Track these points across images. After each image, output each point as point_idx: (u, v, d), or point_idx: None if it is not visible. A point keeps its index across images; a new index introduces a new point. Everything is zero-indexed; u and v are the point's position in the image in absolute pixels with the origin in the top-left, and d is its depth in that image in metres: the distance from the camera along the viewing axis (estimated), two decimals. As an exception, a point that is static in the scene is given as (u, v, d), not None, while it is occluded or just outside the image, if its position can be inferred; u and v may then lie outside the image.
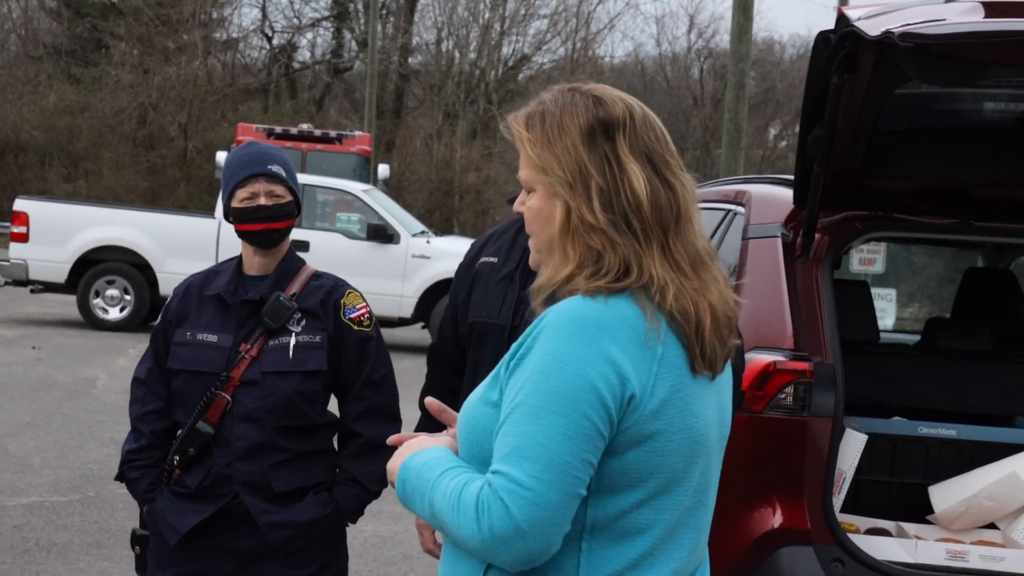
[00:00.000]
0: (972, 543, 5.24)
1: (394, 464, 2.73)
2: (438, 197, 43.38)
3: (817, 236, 5.14)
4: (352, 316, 4.46)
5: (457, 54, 48.99)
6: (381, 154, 40.65)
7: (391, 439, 2.84)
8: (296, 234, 18.89)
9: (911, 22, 4.36)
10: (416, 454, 2.69)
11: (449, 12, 49.05)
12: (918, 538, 5.21)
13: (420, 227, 21.32)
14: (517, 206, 2.78)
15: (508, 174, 43.93)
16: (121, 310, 20.01)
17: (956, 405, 6.01)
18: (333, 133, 28.45)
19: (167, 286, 19.64)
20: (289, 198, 4.44)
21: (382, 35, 45.22)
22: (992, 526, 5.35)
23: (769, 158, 48.75)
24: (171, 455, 4.42)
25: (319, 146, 27.26)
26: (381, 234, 19.64)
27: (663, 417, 2.55)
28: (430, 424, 4.40)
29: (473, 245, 4.47)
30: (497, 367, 2.67)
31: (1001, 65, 4.64)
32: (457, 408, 2.82)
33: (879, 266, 8.74)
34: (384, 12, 46.23)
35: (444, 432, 2.84)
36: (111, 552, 8.37)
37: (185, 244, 19.83)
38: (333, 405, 4.57)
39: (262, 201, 4.39)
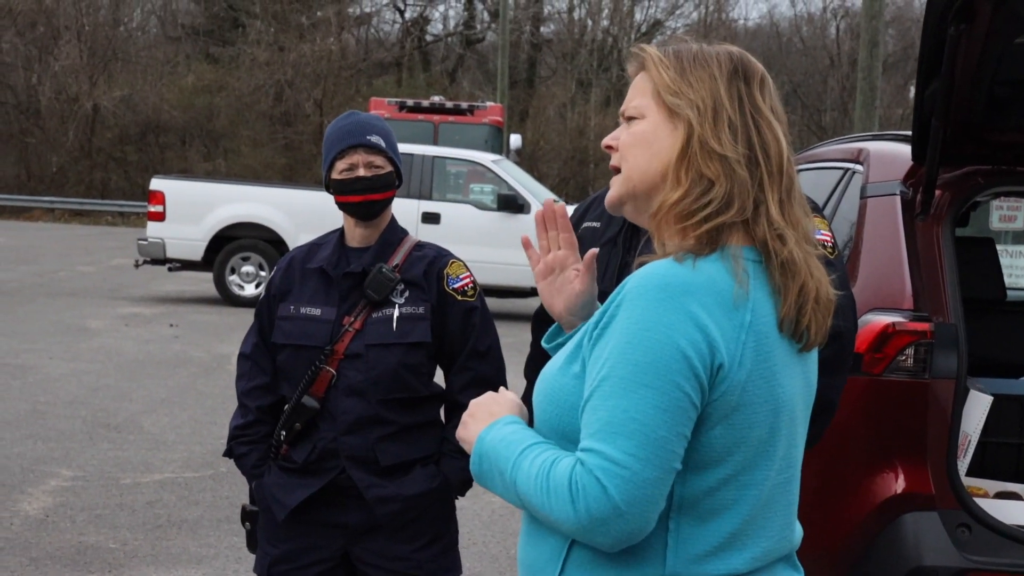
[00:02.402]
0: (1106, 506, 5.08)
1: (467, 434, 2.64)
2: (572, 166, 43.22)
3: (937, 193, 5.00)
4: (456, 286, 4.39)
5: (589, 22, 48.75)
6: (515, 124, 40.64)
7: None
8: (427, 206, 19.06)
9: (1030, -33, 4.21)
10: (490, 429, 2.59)
11: (581, -21, 48.92)
12: (1050, 502, 5.05)
13: (552, 196, 21.24)
14: (609, 140, 2.66)
15: (643, 141, 43.67)
16: (256, 286, 20.17)
17: None
18: (464, 104, 28.44)
19: (302, 261, 19.76)
20: (389, 168, 4.37)
21: (513, 5, 45.11)
22: None
23: (908, 116, 47.99)
24: (278, 430, 4.38)
25: (451, 118, 27.29)
26: (511, 204, 19.59)
27: (750, 388, 2.42)
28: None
29: (576, 210, 4.37)
30: (578, 336, 2.56)
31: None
32: None
33: (1020, 223, 8.50)
34: (515, -18, 46.15)
35: (505, 397, 2.72)
36: (240, 527, 8.40)
37: (317, 219, 19.76)
38: (439, 377, 4.51)
39: (361, 172, 4.32)
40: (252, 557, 7.70)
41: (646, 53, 2.62)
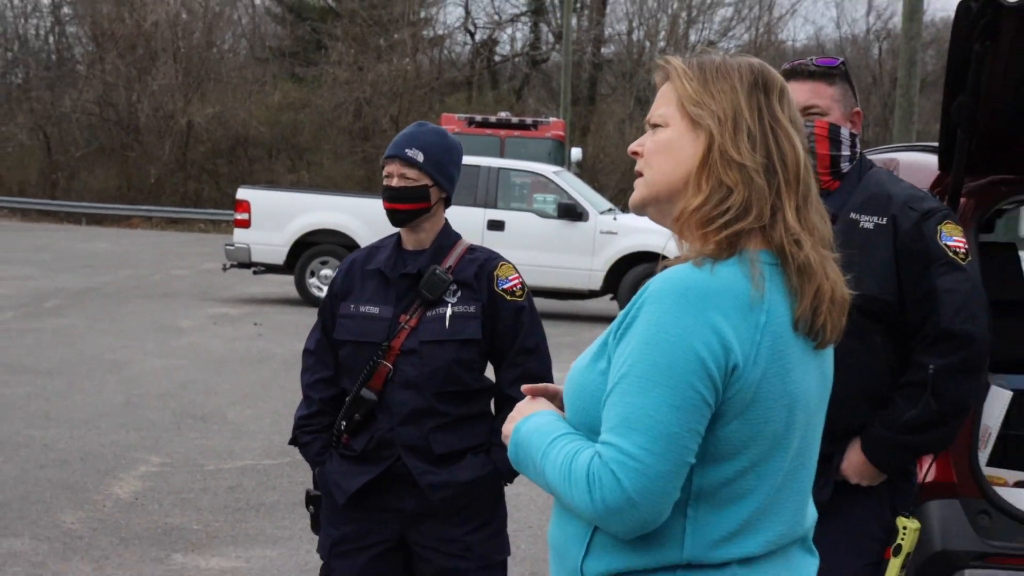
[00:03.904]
0: (1119, 496, 4.98)
1: (507, 428, 2.63)
2: (631, 177, 42.20)
3: (962, 200, 4.92)
4: (505, 287, 4.36)
5: (647, 43, 48.63)
6: (576, 138, 40.57)
7: (524, 388, 2.70)
8: (492, 214, 19.07)
9: (1052, -13, 4.13)
10: (526, 419, 2.58)
11: (640, 3, 48.76)
12: (1069, 493, 4.97)
13: (608, 205, 21.21)
14: (635, 146, 2.61)
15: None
16: (334, 288, 20.17)
17: None
18: (529, 120, 28.43)
19: (376, 265, 19.82)
20: (423, 182, 4.34)
21: (576, 28, 45.08)
22: None
23: (945, 131, 47.48)
24: (339, 420, 4.38)
25: (516, 132, 27.30)
26: (571, 212, 19.60)
27: (764, 386, 2.39)
28: None
29: None
30: (605, 335, 2.53)
31: None
32: None
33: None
34: (578, 6, 46.10)
35: (540, 399, 2.69)
36: (314, 511, 8.42)
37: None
38: (490, 372, 4.48)
39: (394, 182, 4.34)
40: (320, 539, 7.77)
41: (670, 65, 2.58)
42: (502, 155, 25.40)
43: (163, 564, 7.23)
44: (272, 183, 37.27)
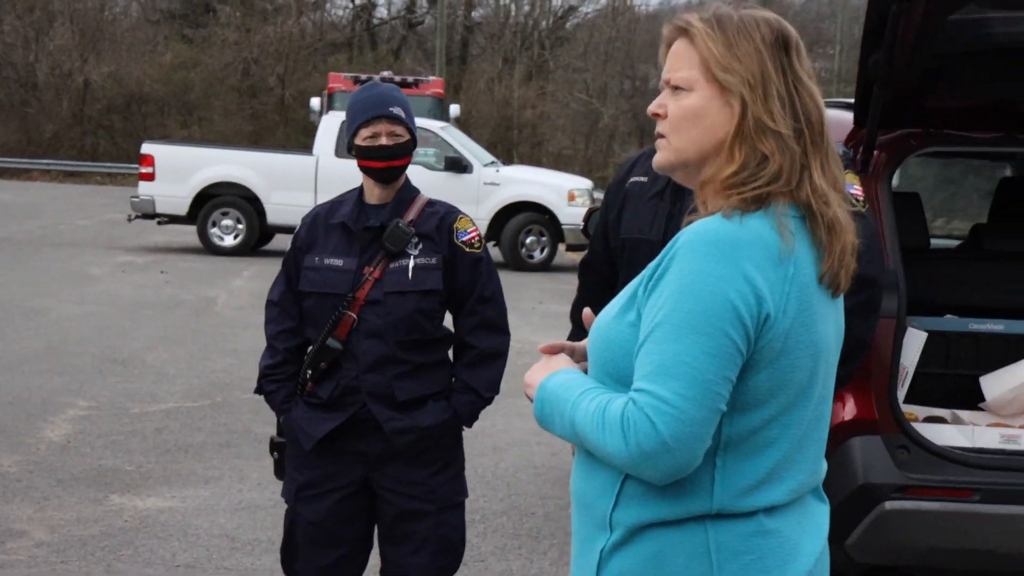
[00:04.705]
0: (1021, 427, 4.98)
1: (532, 380, 2.46)
2: (500, 132, 42.83)
3: (876, 153, 4.86)
4: (464, 239, 4.20)
5: (513, 7, 48.31)
6: (450, 96, 40.24)
7: (540, 347, 2.53)
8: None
9: (969, -49, 4.04)
10: (552, 375, 2.42)
11: (506, -31, 48.45)
12: (973, 424, 4.95)
13: (490, 158, 21.07)
14: (654, 108, 2.42)
15: (559, 110, 43.45)
16: (235, 237, 19.98)
17: (1002, 302, 5.70)
18: (411, 79, 28.03)
19: (274, 216, 19.63)
20: (407, 137, 4.17)
21: (448, -8, 44.64)
22: (1039, 411, 5.09)
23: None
24: (304, 369, 4.19)
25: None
26: (456, 165, 19.43)
27: (792, 336, 2.25)
28: (580, 334, 4.15)
29: (622, 166, 4.20)
30: (633, 287, 2.37)
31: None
32: None
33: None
34: (449, -28, 45.69)
35: (561, 356, 2.52)
36: (240, 451, 8.23)
37: (288, 179, 19.79)
38: (448, 321, 4.31)
39: (383, 141, 4.12)
40: (253, 477, 7.58)
41: (692, 25, 2.37)
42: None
43: (102, 505, 6.96)
44: (166, 138, 36.47)
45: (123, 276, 16.84)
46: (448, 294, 4.20)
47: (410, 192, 4.24)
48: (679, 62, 2.39)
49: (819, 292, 2.32)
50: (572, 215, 19.56)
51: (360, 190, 4.27)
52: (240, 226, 19.93)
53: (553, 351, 2.52)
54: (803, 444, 2.35)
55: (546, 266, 19.54)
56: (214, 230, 19.99)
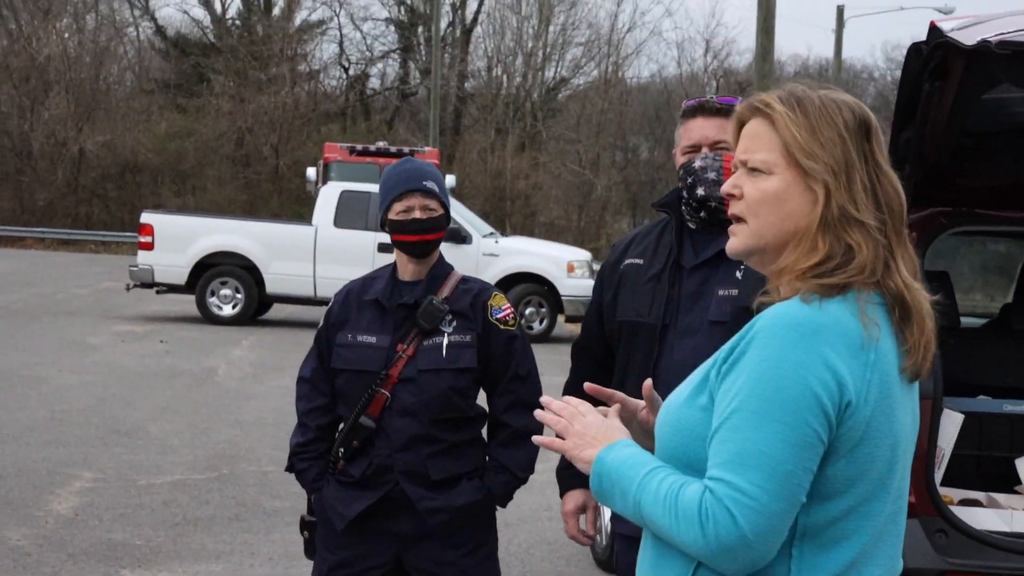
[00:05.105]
0: (1058, 510, 4.91)
1: (586, 456, 2.36)
2: (493, 202, 42.92)
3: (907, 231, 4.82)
4: (498, 316, 4.14)
5: (505, 78, 48.54)
6: (444, 166, 40.36)
7: (587, 387, 2.46)
8: (382, 238, 18.77)
9: (1004, 31, 4.03)
10: (610, 448, 2.32)
11: (498, 42, 48.67)
12: (1012, 508, 4.88)
13: (489, 229, 21.09)
14: (730, 189, 2.36)
15: (552, 180, 43.55)
16: (233, 307, 19.95)
17: None
18: (406, 149, 28.00)
19: (273, 285, 19.62)
20: (441, 211, 4.12)
21: (442, 64, 44.83)
22: (1074, 494, 5.02)
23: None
24: (336, 447, 4.12)
25: (394, 161, 26.85)
26: (456, 236, 19.38)
27: (873, 424, 2.18)
28: None
29: (615, 247, 4.11)
30: (704, 370, 2.31)
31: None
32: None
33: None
34: (443, 44, 45.84)
35: (614, 420, 2.44)
36: (249, 525, 8.13)
37: (287, 249, 19.80)
38: (481, 398, 4.25)
39: (417, 215, 4.07)
40: (264, 552, 7.48)
41: (772, 107, 2.31)
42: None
43: (112, 579, 6.86)
44: (159, 207, 36.51)
45: (122, 345, 16.75)
46: (482, 372, 4.14)
47: (444, 268, 4.19)
48: (757, 143, 2.34)
49: (899, 380, 2.26)
50: (571, 286, 19.55)
51: (393, 266, 4.21)
52: (239, 295, 19.91)
53: (603, 396, 2.46)
54: (882, 538, 2.27)
55: (545, 337, 19.49)
56: (213, 299, 19.97)
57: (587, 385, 2.65)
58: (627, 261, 3.96)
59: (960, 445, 4.96)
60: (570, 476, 4.00)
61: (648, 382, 2.55)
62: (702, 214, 3.81)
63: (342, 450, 4.10)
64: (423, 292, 4.10)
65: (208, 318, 19.80)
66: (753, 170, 2.34)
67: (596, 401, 2.57)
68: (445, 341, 4.07)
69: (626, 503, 2.27)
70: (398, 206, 4.08)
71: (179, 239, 19.90)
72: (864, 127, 2.30)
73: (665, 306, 3.78)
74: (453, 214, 18.00)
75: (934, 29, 4.30)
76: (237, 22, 49.07)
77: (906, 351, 2.26)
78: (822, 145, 2.27)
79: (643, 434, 2.59)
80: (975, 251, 10.23)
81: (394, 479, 4.06)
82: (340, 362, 4.12)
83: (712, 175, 3.76)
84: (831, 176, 2.26)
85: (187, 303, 20.67)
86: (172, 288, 20.09)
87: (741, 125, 2.40)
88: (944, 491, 4.84)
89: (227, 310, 19.91)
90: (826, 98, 2.31)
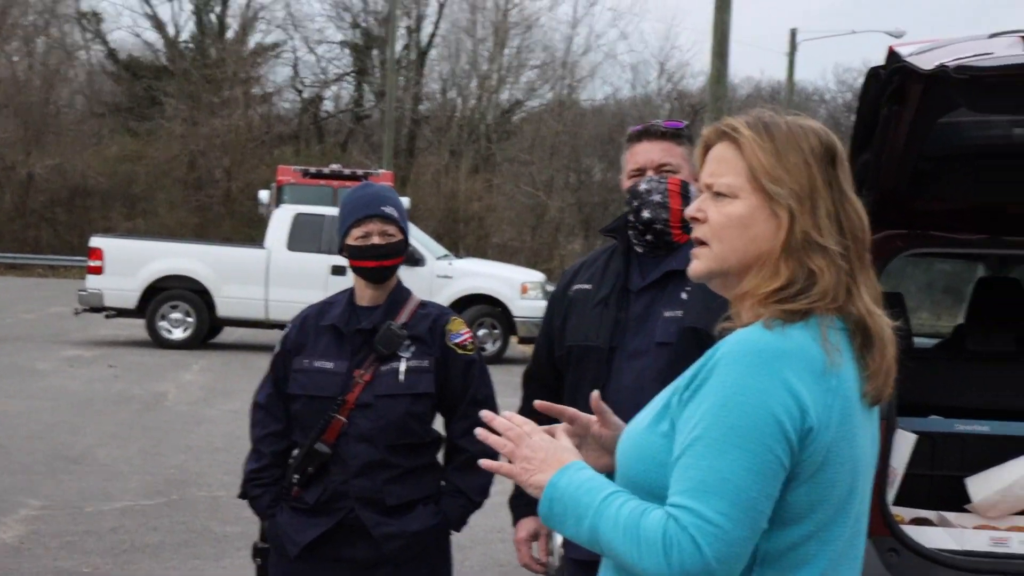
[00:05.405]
0: (1008, 529, 4.93)
1: (537, 480, 2.31)
2: (447, 224, 42.91)
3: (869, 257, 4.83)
4: (457, 341, 4.11)
5: (460, 101, 48.60)
6: (398, 188, 40.32)
7: (537, 404, 2.43)
8: (335, 260, 18.71)
9: (961, 56, 4.04)
10: (562, 472, 2.28)
11: (453, 65, 48.72)
12: (961, 527, 4.89)
13: (443, 251, 21.08)
14: (695, 212, 2.35)
15: (506, 202, 43.59)
16: (184, 331, 19.83)
17: (986, 403, 5.67)
18: (360, 171, 27.99)
19: (224, 309, 19.51)
20: (400, 237, 4.08)
21: (396, 87, 44.81)
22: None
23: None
24: (290, 474, 4.07)
25: (348, 183, 26.87)
26: (410, 258, 19.28)
27: (834, 449, 2.17)
28: None
29: (565, 274, 4.12)
30: (665, 396, 2.29)
31: (1046, 93, 4.32)
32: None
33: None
34: (398, 67, 45.84)
35: (563, 440, 2.40)
36: (199, 551, 8.04)
37: (238, 272, 19.70)
38: (438, 423, 4.21)
39: (375, 240, 4.02)
40: (219, 580, 7.38)
41: (739, 132, 2.31)
42: (335, 204, 25.00)
43: (60, 609, 6.76)
44: (109, 230, 36.29)
45: (71, 370, 16.59)
46: (440, 397, 4.11)
47: (402, 293, 4.15)
48: (723, 167, 2.33)
49: (860, 404, 2.25)
50: (524, 307, 19.56)
51: (351, 291, 4.17)
52: (190, 319, 19.80)
53: (552, 412, 2.44)
54: (841, 562, 2.25)
55: (499, 358, 19.46)
56: (163, 323, 19.84)
57: (537, 403, 2.62)
58: (576, 287, 3.97)
59: (912, 464, 4.96)
60: (522, 504, 4.00)
61: (595, 393, 2.53)
62: (648, 237, 3.82)
63: (297, 476, 4.05)
64: (381, 317, 4.06)
65: (158, 342, 19.68)
66: (718, 194, 2.33)
67: (549, 419, 2.55)
68: (403, 366, 4.03)
69: (580, 529, 2.23)
70: (356, 231, 4.04)
71: (129, 263, 19.76)
72: (830, 154, 2.30)
73: (613, 329, 3.78)
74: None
75: (893, 54, 4.31)
76: (190, 45, 48.81)
77: (867, 376, 2.26)
78: (787, 171, 2.26)
79: (599, 449, 2.58)
80: (922, 271, 10.30)
81: (349, 505, 4.01)
82: (296, 387, 4.07)
83: (657, 197, 3.78)
84: (796, 201, 2.25)
85: (137, 327, 20.53)
86: (122, 312, 19.93)
87: (707, 149, 2.39)
88: (896, 510, 4.85)
89: (177, 334, 19.78)
90: (793, 124, 2.32)
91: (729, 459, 2.10)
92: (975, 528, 4.95)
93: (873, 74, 4.44)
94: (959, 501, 5.21)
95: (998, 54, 4.04)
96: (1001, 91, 4.14)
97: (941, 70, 3.99)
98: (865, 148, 4.63)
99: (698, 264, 2.37)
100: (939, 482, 5.33)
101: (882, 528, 4.52)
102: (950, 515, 5.10)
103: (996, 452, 5.24)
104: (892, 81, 4.30)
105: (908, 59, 4.15)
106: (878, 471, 4.41)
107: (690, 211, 2.37)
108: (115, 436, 11.95)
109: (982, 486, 5.11)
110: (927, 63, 4.07)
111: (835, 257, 2.24)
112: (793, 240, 2.25)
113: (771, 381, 2.13)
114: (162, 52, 49.08)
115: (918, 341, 6.58)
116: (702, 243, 2.35)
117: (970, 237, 5.10)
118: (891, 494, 4.75)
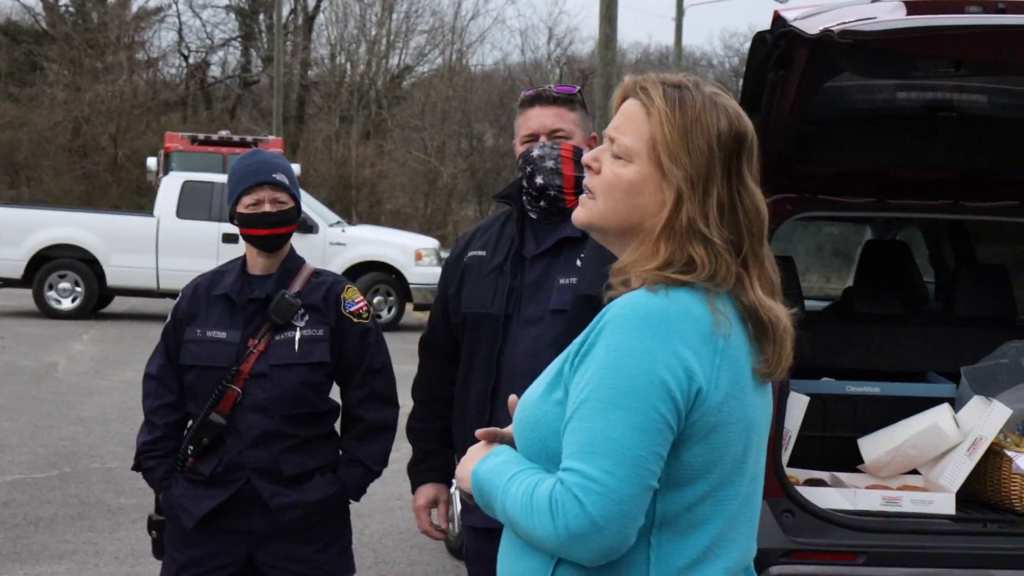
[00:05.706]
0: (898, 488, 5.04)
1: (464, 472, 2.37)
2: (338, 191, 42.60)
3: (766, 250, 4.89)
4: (352, 309, 4.10)
5: (349, 66, 48.21)
6: (288, 155, 39.96)
7: (478, 432, 2.43)
8: (226, 228, 18.53)
9: (845, 20, 4.11)
10: (483, 460, 2.33)
11: (341, 30, 48.31)
12: (854, 487, 4.99)
13: (335, 218, 20.95)
14: (591, 162, 2.35)
15: (398, 168, 43.40)
16: (73, 300, 19.47)
17: (876, 364, 5.78)
18: (249, 138, 27.68)
19: (114, 278, 19.20)
20: (292, 204, 4.05)
21: (284, 52, 44.33)
22: (914, 472, 5.14)
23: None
24: (185, 445, 4.05)
25: (237, 150, 26.52)
26: (302, 225, 18.95)
27: (725, 409, 2.20)
28: (425, 412, 4.06)
29: (459, 241, 4.11)
30: (559, 364, 2.30)
31: (928, 58, 4.40)
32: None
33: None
34: (285, 32, 45.32)
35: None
36: (93, 523, 7.95)
37: (128, 241, 19.40)
38: (334, 392, 4.21)
39: (267, 208, 3.99)
40: (109, 551, 7.32)
41: (653, 102, 2.28)
42: (224, 172, 24.71)
43: (-50, 585, 6.66)
44: (-5, 199, 35.61)
45: (-44, 343, 16.27)
46: (336, 366, 4.10)
47: (295, 262, 4.13)
48: (628, 126, 2.31)
49: (749, 366, 2.28)
50: (419, 274, 19.52)
51: (243, 260, 4.14)
52: (79, 289, 19.44)
53: (490, 438, 2.42)
54: (737, 521, 2.29)
55: (394, 325, 19.41)
56: (51, 293, 19.46)
57: (479, 432, 2.59)
58: (470, 254, 3.96)
59: (805, 426, 5.05)
60: (421, 471, 4.01)
61: (512, 398, 2.51)
62: (542, 203, 3.83)
63: (191, 448, 4.02)
64: (274, 286, 4.04)
65: (46, 312, 19.31)
66: (615, 155, 2.32)
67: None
68: (298, 336, 4.02)
69: (498, 509, 2.27)
70: (247, 199, 4.00)
71: (14, 231, 19.34)
72: (738, 140, 2.28)
73: (508, 296, 3.79)
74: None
75: (778, 18, 4.37)
76: (71, 9, 47.82)
77: (763, 360, 2.29)
78: (688, 152, 2.25)
79: None
80: (811, 234, 10.46)
81: (245, 476, 4.00)
82: (189, 358, 4.04)
83: (550, 163, 3.79)
84: (687, 185, 2.24)
85: (24, 297, 20.14)
86: (8, 283, 19.56)
87: (625, 98, 2.37)
88: (790, 472, 4.93)
89: (66, 304, 19.42)
90: (709, 103, 2.29)
91: (614, 419, 2.12)
92: (868, 488, 5.04)
93: (759, 39, 4.49)
94: (852, 462, 5.31)
95: (881, 18, 4.11)
96: (885, 55, 4.22)
97: (826, 34, 4.05)
98: (752, 113, 4.67)
99: (581, 212, 2.38)
100: (832, 443, 5.42)
101: (777, 490, 4.58)
102: (843, 475, 5.19)
103: (887, 413, 5.35)
104: (778, 46, 4.36)
105: (793, 24, 4.21)
106: (772, 433, 4.51)
107: (586, 158, 2.37)
108: (4, 408, 11.75)
109: (873, 447, 5.21)
110: (812, 27, 4.13)
111: (718, 250, 2.23)
112: (676, 222, 2.24)
113: (657, 343, 2.15)
114: (41, 16, 48.04)
115: (808, 304, 6.69)
116: (591, 193, 2.35)
117: (857, 200, 5.18)
118: (785, 456, 4.82)
